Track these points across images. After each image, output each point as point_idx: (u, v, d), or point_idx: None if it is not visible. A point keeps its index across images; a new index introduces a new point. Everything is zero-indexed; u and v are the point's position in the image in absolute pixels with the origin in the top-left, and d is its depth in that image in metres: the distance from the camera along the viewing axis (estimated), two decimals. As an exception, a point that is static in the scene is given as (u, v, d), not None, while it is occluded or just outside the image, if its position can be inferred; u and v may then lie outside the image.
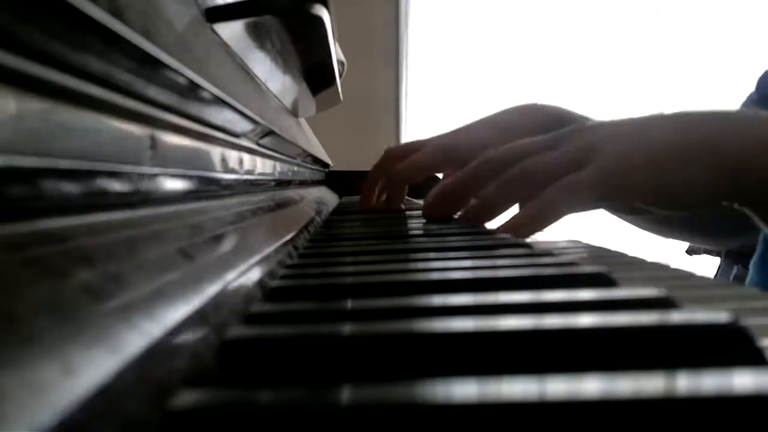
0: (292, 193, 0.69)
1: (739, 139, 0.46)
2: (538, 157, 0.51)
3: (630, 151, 0.48)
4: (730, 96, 2.75)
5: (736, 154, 0.45)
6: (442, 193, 0.60)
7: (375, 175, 0.77)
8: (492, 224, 0.57)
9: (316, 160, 0.99)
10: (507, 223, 0.52)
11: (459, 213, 0.62)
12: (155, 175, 0.25)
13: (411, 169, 0.70)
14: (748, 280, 0.77)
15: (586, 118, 0.66)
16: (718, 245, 0.80)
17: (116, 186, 0.21)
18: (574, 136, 0.52)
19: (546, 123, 0.65)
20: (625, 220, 0.69)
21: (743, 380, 0.13)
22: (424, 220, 0.61)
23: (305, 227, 0.50)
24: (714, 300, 0.26)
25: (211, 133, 0.34)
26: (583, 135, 0.52)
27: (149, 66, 0.22)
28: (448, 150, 0.69)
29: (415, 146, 0.73)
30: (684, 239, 0.77)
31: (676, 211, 0.49)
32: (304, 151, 0.77)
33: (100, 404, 0.12)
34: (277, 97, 0.67)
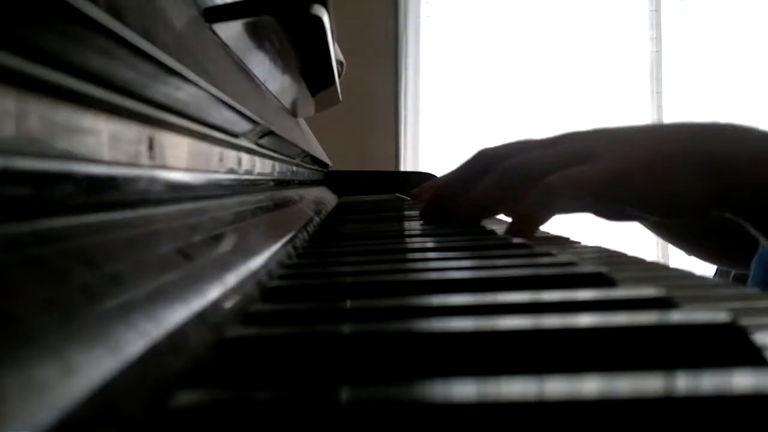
0: (291, 193, 0.69)
1: (731, 148, 0.47)
2: (535, 153, 0.51)
3: (626, 155, 0.48)
4: (731, 95, 2.75)
5: (729, 162, 0.46)
6: (435, 194, 0.60)
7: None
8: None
9: (315, 160, 0.99)
10: (510, 222, 0.52)
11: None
12: (154, 176, 0.25)
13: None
14: (750, 279, 0.77)
15: None
16: (728, 265, 0.80)
17: (115, 186, 0.21)
18: (571, 138, 0.53)
19: None
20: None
21: (742, 380, 0.13)
22: (422, 221, 0.61)
23: (304, 227, 0.50)
24: (713, 300, 0.26)
25: (209, 133, 0.34)
26: (579, 138, 0.52)
27: (148, 66, 0.22)
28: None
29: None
30: (690, 253, 0.77)
31: (669, 217, 0.50)
32: (303, 151, 0.77)
33: (99, 404, 0.12)
34: (276, 97, 0.67)
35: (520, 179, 0.50)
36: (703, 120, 0.52)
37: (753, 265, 0.70)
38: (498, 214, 0.58)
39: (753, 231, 0.50)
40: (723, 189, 0.46)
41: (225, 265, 0.25)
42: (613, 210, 0.54)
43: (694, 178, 0.46)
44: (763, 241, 0.50)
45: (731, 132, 0.49)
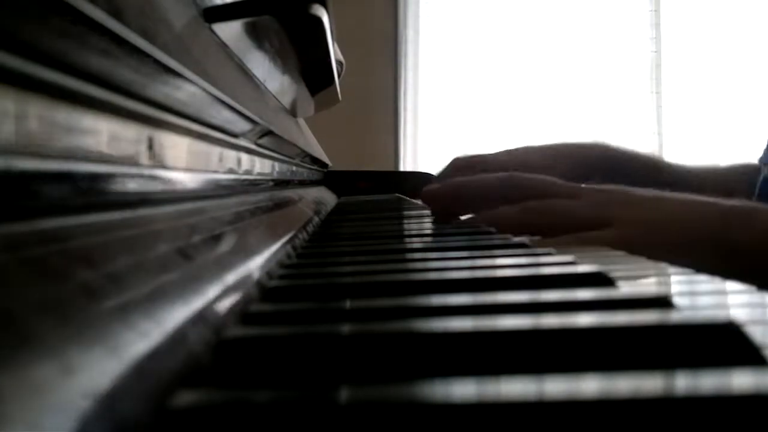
0: (290, 193, 0.69)
1: (750, 233, 0.47)
2: (566, 201, 0.53)
3: (649, 226, 0.49)
4: (731, 95, 2.75)
5: (748, 247, 0.46)
6: (455, 191, 0.60)
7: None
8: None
9: (315, 160, 0.99)
10: None
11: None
12: (153, 175, 0.25)
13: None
14: None
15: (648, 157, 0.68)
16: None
17: (114, 186, 0.21)
18: (599, 195, 0.54)
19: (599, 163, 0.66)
20: None
21: (742, 380, 0.13)
22: (422, 220, 0.61)
23: (303, 227, 0.50)
24: (713, 299, 0.26)
25: (209, 133, 0.34)
26: (608, 197, 0.53)
27: (147, 66, 0.22)
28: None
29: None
30: None
31: None
32: (303, 151, 0.77)
33: (98, 404, 0.12)
34: (275, 97, 0.67)
35: (541, 222, 0.52)
36: (721, 201, 0.52)
37: None
38: None
39: None
40: (742, 268, 0.46)
41: (225, 265, 0.25)
42: None
43: (711, 258, 0.46)
44: None
45: (747, 215, 0.49)
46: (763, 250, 0.46)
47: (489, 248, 0.39)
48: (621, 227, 0.49)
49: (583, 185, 0.56)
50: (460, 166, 0.80)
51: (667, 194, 0.54)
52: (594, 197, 0.53)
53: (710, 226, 0.48)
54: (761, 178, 0.81)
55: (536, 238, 0.49)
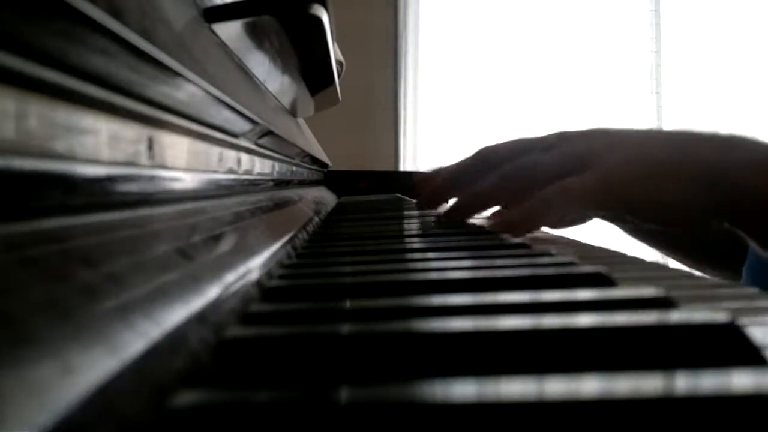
0: (290, 193, 0.69)
1: (733, 162, 0.46)
2: (536, 158, 0.52)
3: (627, 164, 0.48)
4: (730, 94, 2.75)
5: (729, 173, 0.46)
6: (434, 185, 0.62)
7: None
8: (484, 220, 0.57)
9: (315, 160, 0.99)
10: (502, 220, 0.52)
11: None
12: (153, 175, 0.25)
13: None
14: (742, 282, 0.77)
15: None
16: (715, 274, 0.80)
17: (114, 186, 0.21)
18: (569, 140, 0.53)
19: None
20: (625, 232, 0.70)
21: (741, 380, 0.13)
22: (422, 220, 0.61)
23: (303, 227, 0.50)
24: (713, 300, 0.26)
25: (209, 133, 0.34)
26: (578, 140, 0.52)
27: (147, 66, 0.22)
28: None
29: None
30: (681, 262, 0.77)
31: (666, 227, 0.50)
32: (303, 150, 0.77)
33: (98, 404, 0.12)
34: (275, 97, 0.67)
35: (520, 184, 0.51)
36: (702, 128, 0.51)
37: (744, 272, 0.69)
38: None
39: (751, 242, 0.49)
40: (722, 200, 0.45)
41: (225, 265, 0.25)
42: (612, 217, 0.54)
43: (693, 190, 0.46)
44: (759, 251, 0.50)
45: (731, 142, 0.49)
46: (745, 176, 0.45)
47: (489, 248, 0.39)
48: (600, 169, 0.48)
49: (559, 131, 0.55)
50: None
51: (647, 130, 0.53)
52: (571, 143, 0.52)
53: (692, 157, 0.47)
54: None
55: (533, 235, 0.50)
